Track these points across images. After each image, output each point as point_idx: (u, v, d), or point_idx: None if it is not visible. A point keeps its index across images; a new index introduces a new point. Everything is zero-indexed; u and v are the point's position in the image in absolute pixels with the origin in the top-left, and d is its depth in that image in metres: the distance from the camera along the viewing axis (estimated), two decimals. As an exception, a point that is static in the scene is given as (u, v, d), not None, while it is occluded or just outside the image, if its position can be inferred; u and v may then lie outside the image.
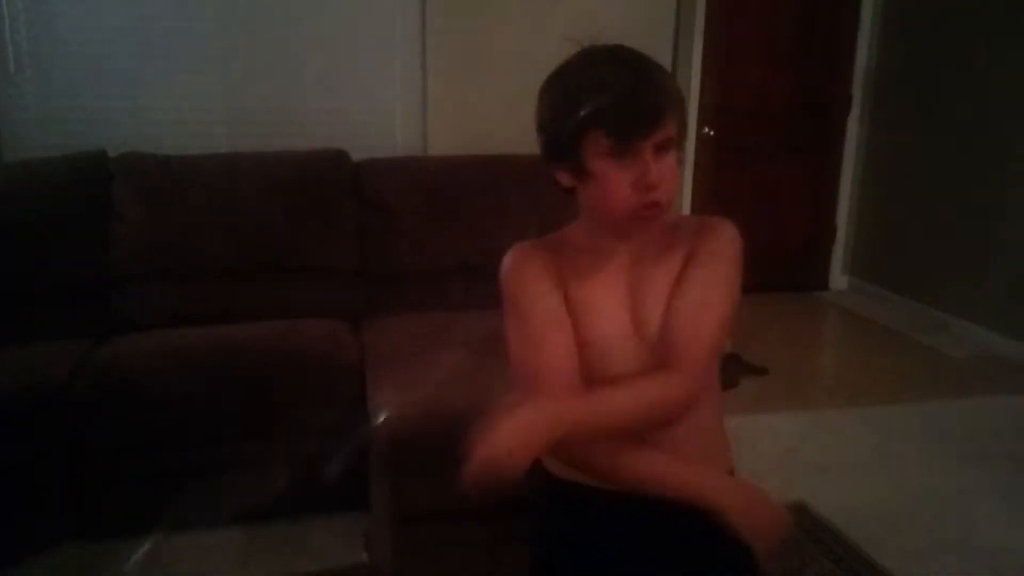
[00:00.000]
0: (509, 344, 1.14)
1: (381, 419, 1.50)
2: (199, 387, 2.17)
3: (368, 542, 2.16)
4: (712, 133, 4.28)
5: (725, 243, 1.13)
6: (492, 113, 3.07)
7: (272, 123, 2.93)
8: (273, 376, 2.21)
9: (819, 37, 4.47)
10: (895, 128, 4.43)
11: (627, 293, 1.14)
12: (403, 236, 2.73)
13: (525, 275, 1.14)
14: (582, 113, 1.03)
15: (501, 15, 3.03)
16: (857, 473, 2.63)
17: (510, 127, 2.97)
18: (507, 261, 1.15)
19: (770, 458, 2.65)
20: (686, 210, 3.94)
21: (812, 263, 4.74)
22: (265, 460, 2.23)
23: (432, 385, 2.08)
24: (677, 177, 1.10)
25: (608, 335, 1.13)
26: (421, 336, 2.42)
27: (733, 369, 3.17)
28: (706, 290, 1.11)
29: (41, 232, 2.44)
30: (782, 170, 4.59)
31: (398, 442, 1.90)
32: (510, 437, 0.94)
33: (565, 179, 1.10)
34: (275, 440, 2.21)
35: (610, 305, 1.13)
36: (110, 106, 2.79)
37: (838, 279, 4.74)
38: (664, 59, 2.26)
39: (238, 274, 2.61)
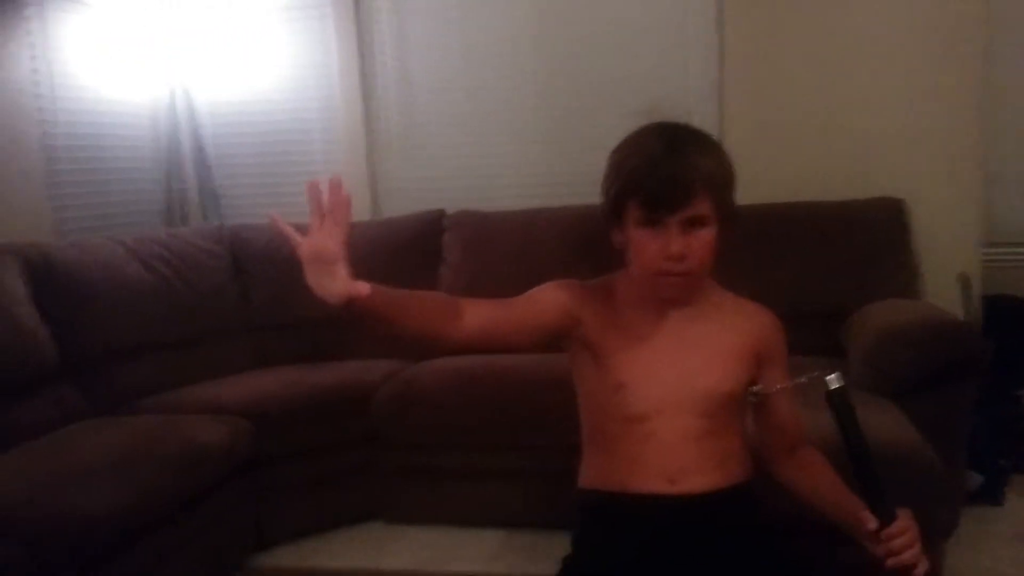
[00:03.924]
0: None
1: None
2: (473, 401, 2.52)
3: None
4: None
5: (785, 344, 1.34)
6: (792, 165, 3.01)
7: (581, 183, 3.25)
8: (535, 397, 2.47)
9: None
10: None
11: (674, 347, 1.24)
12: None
13: (557, 285, 1.28)
14: (623, 184, 1.17)
15: (801, 70, 2.99)
16: None
17: (808, 174, 2.94)
18: (556, 280, 1.30)
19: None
20: None
21: None
22: (524, 472, 2.49)
23: None
24: (710, 251, 1.18)
25: (642, 381, 1.23)
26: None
27: None
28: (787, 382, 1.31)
29: (388, 271, 3.05)
30: None
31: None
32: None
33: (616, 240, 1.24)
34: (533, 455, 2.46)
35: (651, 357, 1.24)
36: (454, 173, 3.39)
37: None
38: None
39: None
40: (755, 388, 1.31)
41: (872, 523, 1.10)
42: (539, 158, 3.31)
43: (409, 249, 3.10)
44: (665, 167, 1.12)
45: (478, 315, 1.16)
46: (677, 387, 1.23)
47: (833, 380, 1.14)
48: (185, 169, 3.55)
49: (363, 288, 1.02)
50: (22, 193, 2.89)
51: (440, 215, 3.20)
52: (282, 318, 2.99)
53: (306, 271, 1.01)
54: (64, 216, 3.05)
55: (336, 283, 1.01)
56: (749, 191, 2.97)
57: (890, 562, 1.09)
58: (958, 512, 2.10)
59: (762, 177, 3.04)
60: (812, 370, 1.17)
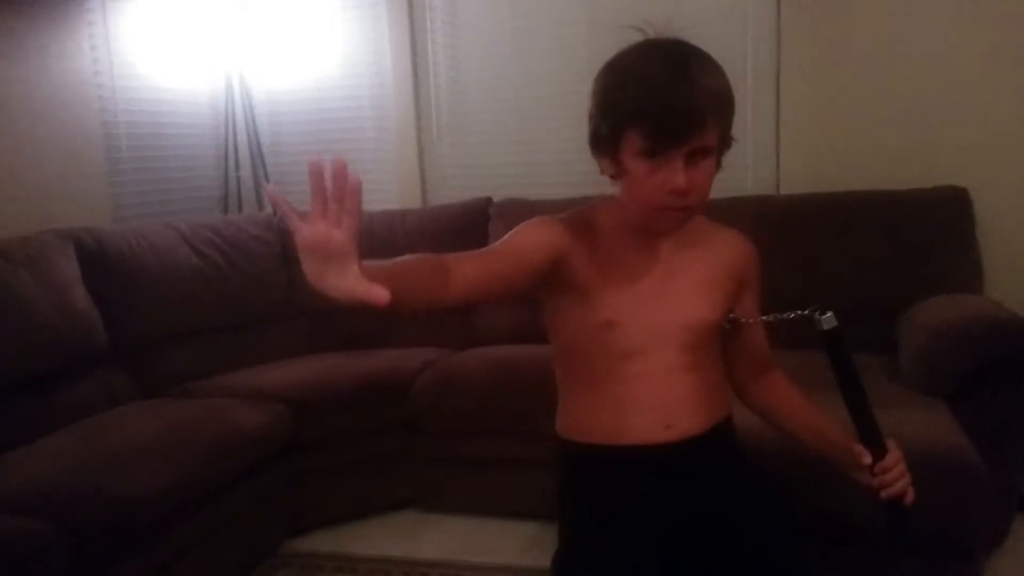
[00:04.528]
0: None
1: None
2: (513, 390, 2.50)
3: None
4: None
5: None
6: (850, 151, 2.88)
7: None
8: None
9: None
10: None
11: (660, 280, 1.19)
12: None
13: (540, 225, 1.19)
14: (620, 112, 1.08)
15: (861, 52, 2.85)
16: None
17: (869, 162, 2.81)
18: (539, 217, 1.20)
19: None
20: None
21: None
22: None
23: None
24: (711, 182, 1.11)
25: (631, 316, 1.17)
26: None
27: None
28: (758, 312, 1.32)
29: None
30: None
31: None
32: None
33: (605, 168, 1.16)
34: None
35: (638, 291, 1.17)
36: (501, 161, 3.37)
37: None
38: None
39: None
40: (732, 316, 1.27)
41: (867, 458, 1.14)
42: (586, 147, 3.25)
43: (455, 236, 3.08)
44: (671, 95, 1.02)
45: (466, 272, 1.07)
46: (666, 320, 1.19)
47: (827, 320, 1.13)
48: (241, 157, 3.62)
49: (381, 295, 0.85)
50: (83, 180, 2.99)
51: (486, 203, 3.18)
52: (326, 305, 3.01)
53: (304, 262, 0.85)
54: (123, 202, 3.15)
55: (347, 281, 0.85)
56: (807, 178, 2.93)
57: (885, 493, 1.14)
58: (1009, 521, 1.98)
59: (820, 164, 2.94)
60: (803, 308, 1.15)
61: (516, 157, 3.35)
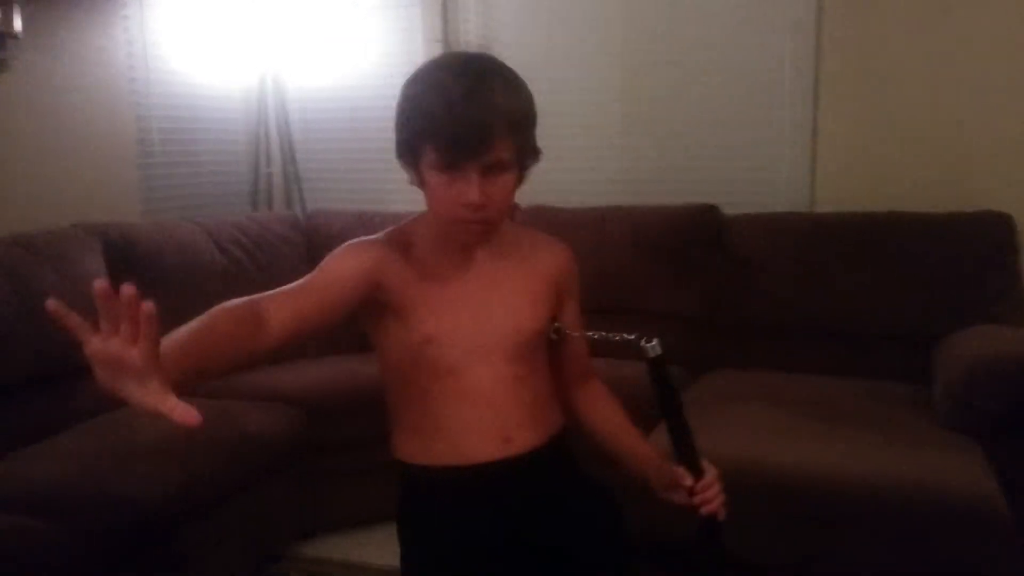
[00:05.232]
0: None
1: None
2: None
3: None
4: None
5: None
6: (889, 168, 2.79)
7: (660, 180, 3.13)
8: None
9: None
10: None
11: (480, 291, 1.19)
12: (761, 292, 2.68)
13: (349, 253, 1.16)
14: (417, 125, 1.08)
15: (903, 67, 2.75)
16: None
17: (908, 182, 2.71)
18: (350, 243, 1.18)
19: None
20: None
21: None
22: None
23: (731, 437, 2.04)
24: (510, 196, 1.13)
25: (450, 331, 1.17)
26: (751, 390, 2.37)
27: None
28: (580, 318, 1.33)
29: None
30: None
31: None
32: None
33: (411, 178, 1.16)
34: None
35: (456, 304, 1.18)
36: (534, 168, 3.30)
37: None
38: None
39: (598, 311, 2.82)
40: (558, 325, 1.29)
41: (689, 480, 1.21)
42: (617, 155, 3.20)
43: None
44: (464, 110, 1.03)
45: (281, 314, 1.03)
46: (487, 332, 1.19)
47: (653, 348, 1.18)
48: (272, 154, 3.62)
49: (188, 415, 0.77)
50: (116, 175, 3.00)
51: (512, 209, 3.13)
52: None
53: (95, 370, 0.76)
54: (154, 196, 3.16)
55: (148, 397, 0.77)
56: (844, 199, 2.84)
57: (704, 510, 1.21)
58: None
59: (858, 185, 2.85)
60: (628, 331, 1.19)
61: (544, 163, 3.29)
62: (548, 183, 3.23)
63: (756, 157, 2.99)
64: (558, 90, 3.22)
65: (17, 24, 2.52)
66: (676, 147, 3.11)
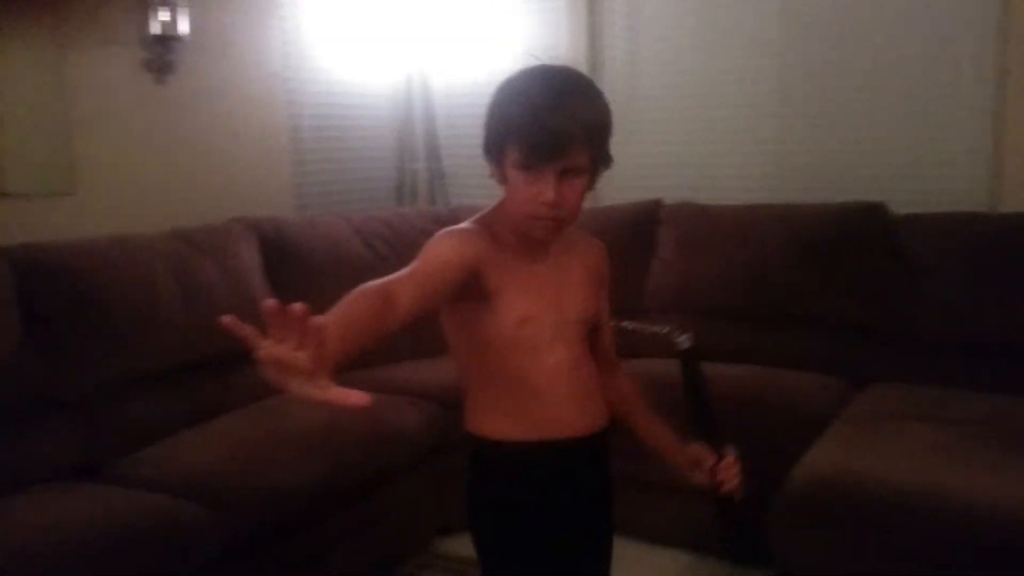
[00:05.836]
0: None
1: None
2: (664, 410, 2.35)
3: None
4: None
5: None
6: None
7: (820, 175, 2.93)
8: (738, 416, 2.26)
9: None
10: None
11: (554, 279, 1.31)
12: (930, 300, 2.45)
13: (450, 240, 1.23)
14: (504, 127, 1.22)
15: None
16: None
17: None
18: (446, 231, 1.25)
19: None
20: None
21: None
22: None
23: (897, 461, 1.89)
24: (581, 198, 1.23)
25: (541, 312, 1.28)
26: (916, 408, 2.17)
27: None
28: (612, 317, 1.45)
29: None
30: None
31: (807, 498, 1.86)
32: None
33: (494, 174, 1.26)
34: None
35: (541, 289, 1.30)
36: (675, 161, 3.22)
37: None
38: None
39: (749, 317, 2.71)
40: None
41: (710, 459, 1.34)
42: (770, 151, 3.03)
43: (621, 240, 2.94)
44: (546, 119, 1.15)
45: (406, 296, 1.09)
46: (565, 315, 1.31)
47: (684, 341, 1.34)
48: (417, 151, 3.67)
49: (360, 399, 0.84)
50: (271, 171, 3.13)
51: (656, 205, 3.02)
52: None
53: (264, 371, 0.82)
54: (306, 192, 3.27)
55: (318, 391, 0.84)
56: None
57: (722, 488, 1.34)
58: None
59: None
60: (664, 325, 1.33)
61: (692, 157, 3.17)
62: (693, 179, 3.15)
63: (929, 149, 2.75)
64: (709, 81, 3.10)
65: (183, 27, 2.66)
66: (837, 138, 2.91)
